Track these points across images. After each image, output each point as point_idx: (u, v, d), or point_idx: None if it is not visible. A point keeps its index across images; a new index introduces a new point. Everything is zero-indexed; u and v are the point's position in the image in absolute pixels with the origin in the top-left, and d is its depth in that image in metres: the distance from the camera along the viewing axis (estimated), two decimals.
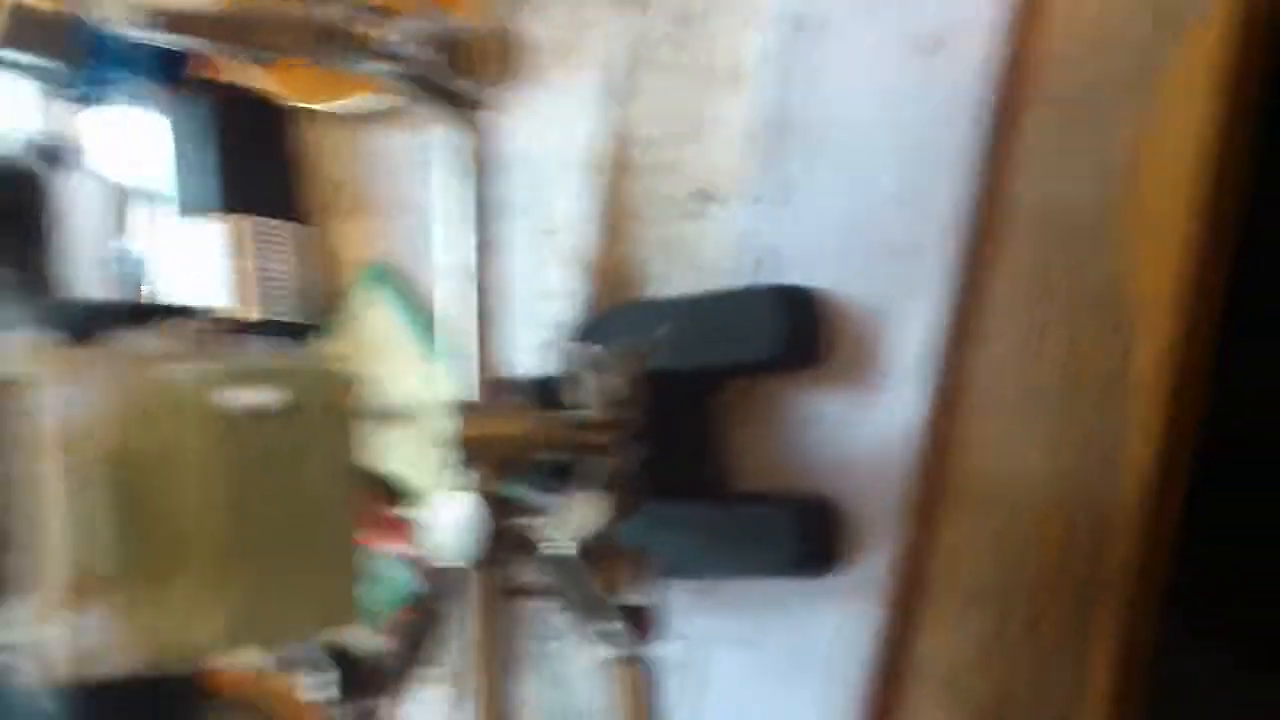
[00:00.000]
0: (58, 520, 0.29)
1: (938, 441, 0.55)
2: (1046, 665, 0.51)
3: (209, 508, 0.31)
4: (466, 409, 0.50)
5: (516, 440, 0.49)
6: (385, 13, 0.49)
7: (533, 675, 0.68)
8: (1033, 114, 0.53)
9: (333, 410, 0.34)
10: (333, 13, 0.47)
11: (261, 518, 0.32)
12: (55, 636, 0.29)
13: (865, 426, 0.57)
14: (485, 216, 0.53)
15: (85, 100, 0.94)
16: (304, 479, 0.33)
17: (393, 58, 0.50)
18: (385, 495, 0.65)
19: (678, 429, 0.60)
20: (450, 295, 0.52)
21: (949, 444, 0.55)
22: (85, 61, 0.92)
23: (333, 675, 0.42)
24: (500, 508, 0.48)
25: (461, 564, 0.48)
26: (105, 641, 0.29)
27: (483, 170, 0.53)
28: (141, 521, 0.30)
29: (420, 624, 0.66)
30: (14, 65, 0.95)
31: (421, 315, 0.74)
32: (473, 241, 0.52)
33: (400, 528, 0.65)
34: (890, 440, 0.56)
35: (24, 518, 0.29)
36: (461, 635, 0.48)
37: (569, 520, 0.47)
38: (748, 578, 0.59)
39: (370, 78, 0.72)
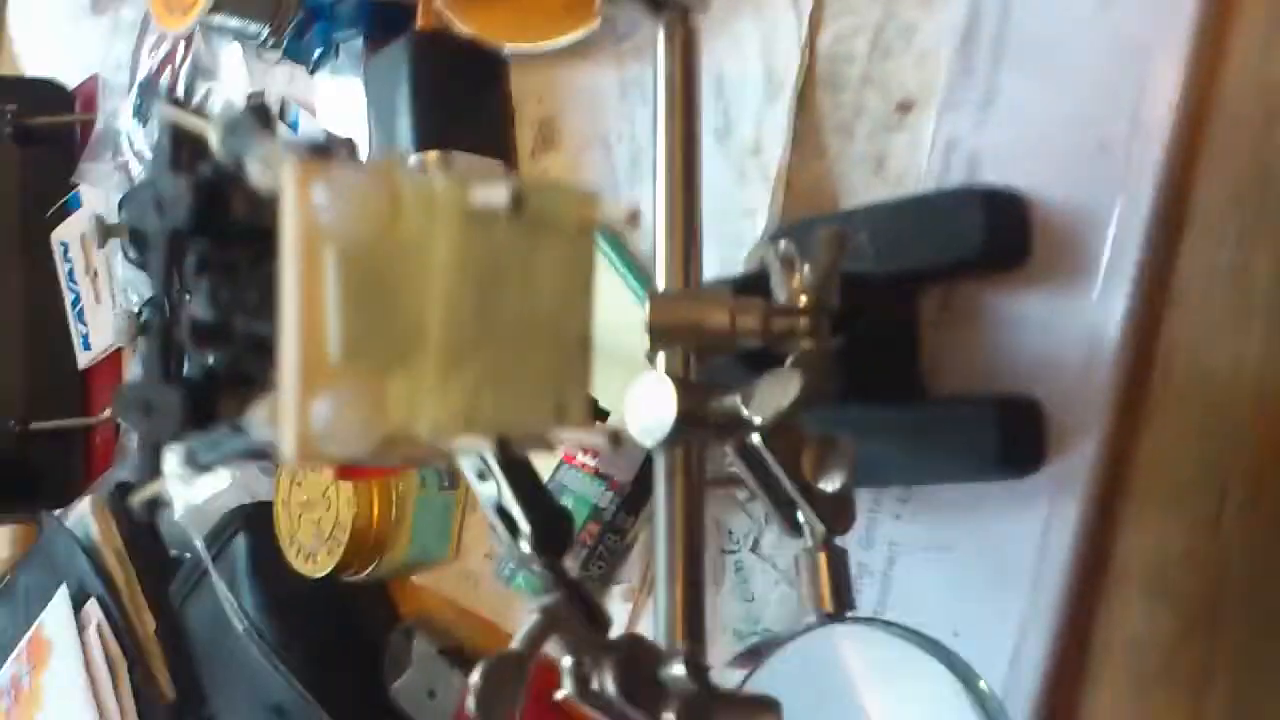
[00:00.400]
0: (297, 311, 0.30)
1: (1143, 338, 0.54)
2: (1268, 546, 0.49)
3: (450, 301, 0.32)
4: (658, 295, 0.50)
5: (707, 325, 0.49)
6: None
7: (720, 589, 0.68)
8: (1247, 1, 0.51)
9: (574, 221, 0.35)
10: None
11: (501, 313, 0.33)
12: (289, 421, 0.30)
13: (1068, 326, 0.55)
14: (691, 133, 0.52)
15: (298, 61, 0.98)
16: (543, 282, 0.34)
17: None
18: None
19: (877, 334, 0.59)
20: (663, 215, 0.52)
21: (1155, 340, 0.53)
22: (299, 24, 0.96)
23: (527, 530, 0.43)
24: (690, 390, 0.48)
25: (649, 444, 0.48)
26: (339, 425, 0.30)
27: (688, 82, 0.53)
28: (381, 312, 0.32)
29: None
30: (224, 29, 1.00)
31: (618, 244, 0.75)
32: (678, 160, 0.52)
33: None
34: (1094, 338, 0.54)
35: (276, 315, 0.31)
36: (650, 531, 0.48)
37: (761, 402, 0.47)
38: (945, 481, 0.58)
39: None
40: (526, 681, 0.41)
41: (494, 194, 0.32)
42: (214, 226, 0.35)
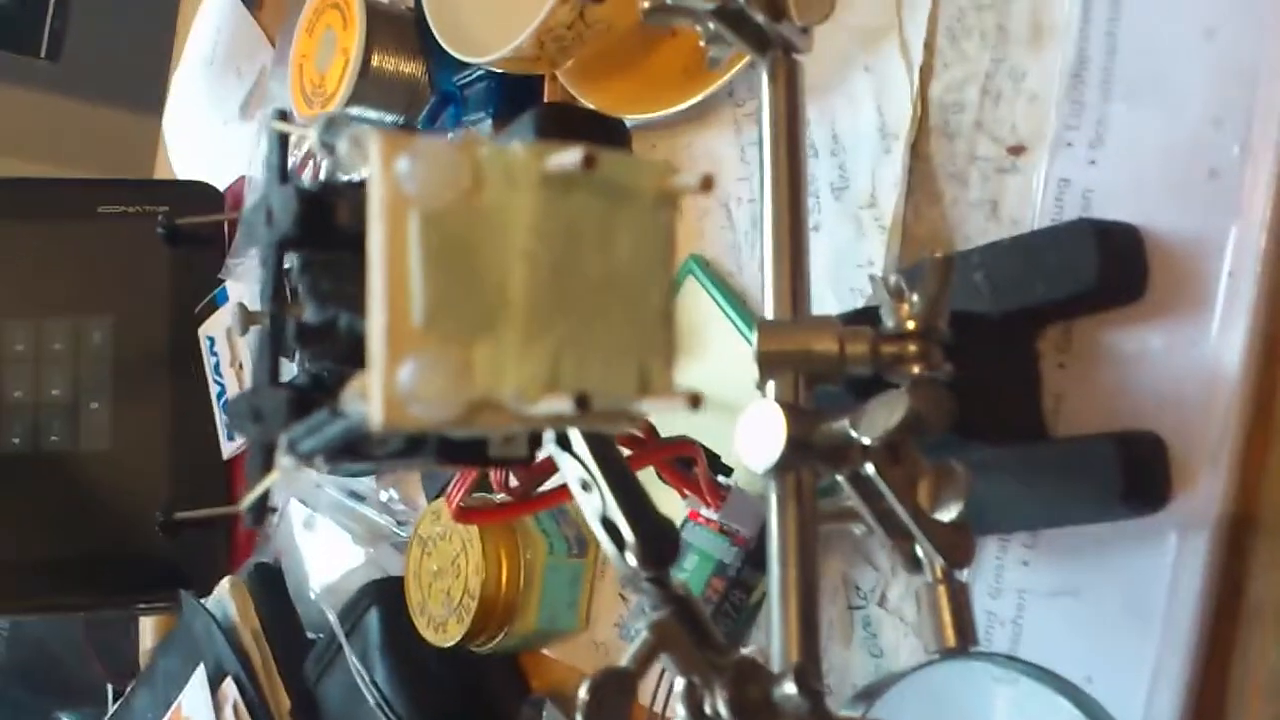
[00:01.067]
0: (383, 278, 0.32)
1: (1265, 368, 0.52)
2: None
3: (531, 265, 0.33)
4: (766, 324, 0.50)
5: (815, 351, 0.50)
6: None
7: (848, 645, 0.68)
8: None
9: (652, 191, 0.35)
10: None
11: (581, 279, 0.34)
12: (376, 384, 0.31)
13: (1188, 358, 0.54)
14: (796, 164, 0.53)
15: None
16: (622, 250, 0.34)
17: None
18: (704, 460, 0.66)
19: (996, 374, 0.59)
20: (770, 245, 0.53)
21: (1277, 368, 0.52)
22: (432, 109, 0.99)
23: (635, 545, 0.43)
24: (800, 415, 0.48)
25: (761, 472, 0.48)
26: (425, 388, 0.31)
27: (792, 114, 0.54)
28: (463, 277, 0.33)
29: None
30: (361, 120, 1.04)
31: (739, 304, 0.76)
32: (784, 190, 0.53)
33: (718, 493, 0.66)
34: (1215, 370, 0.53)
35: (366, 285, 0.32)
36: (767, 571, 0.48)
37: (869, 423, 0.47)
38: (1069, 523, 0.57)
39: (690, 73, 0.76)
40: (634, 699, 0.41)
41: (568, 156, 0.33)
42: (320, 234, 0.37)
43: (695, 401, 0.33)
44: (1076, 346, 0.59)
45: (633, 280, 0.34)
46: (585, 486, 0.46)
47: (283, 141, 0.39)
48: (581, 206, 0.33)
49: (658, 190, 0.35)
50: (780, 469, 0.47)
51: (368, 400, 0.31)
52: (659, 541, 0.44)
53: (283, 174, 0.38)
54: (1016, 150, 0.63)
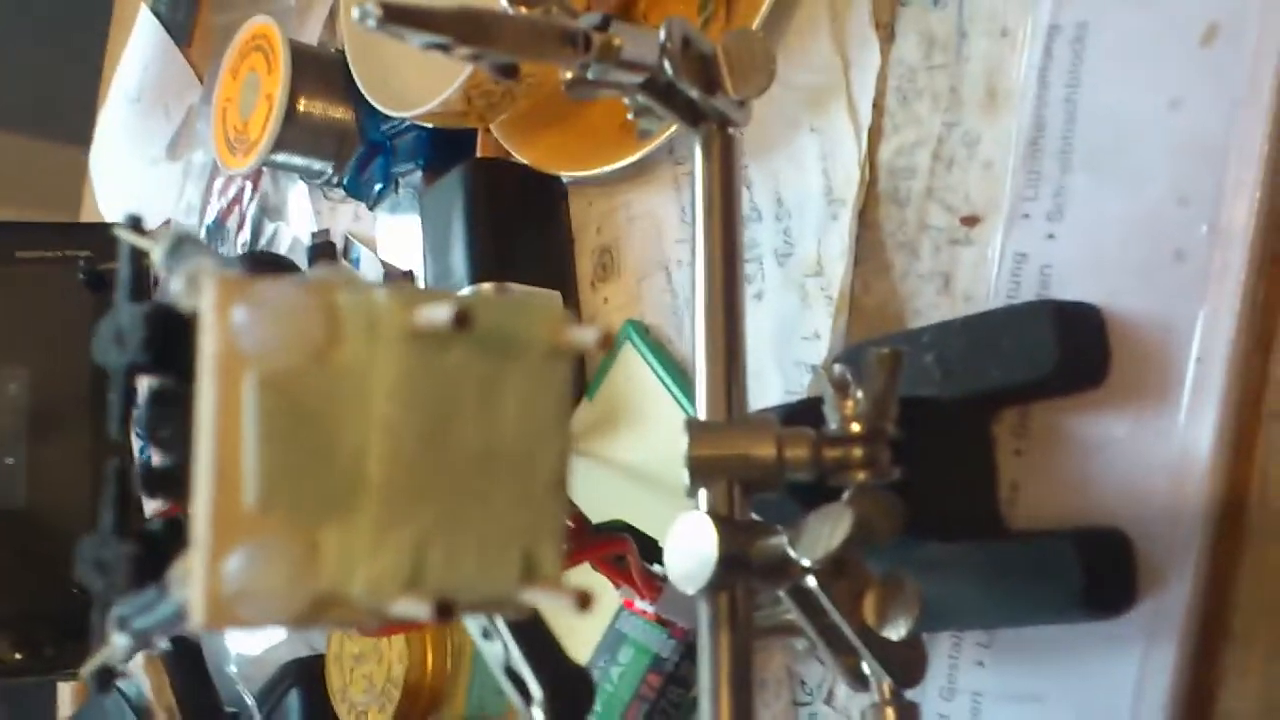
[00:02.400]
0: (211, 449, 0.27)
1: (1236, 461, 0.49)
2: None
3: (392, 437, 0.28)
4: (698, 426, 0.46)
5: (752, 456, 0.45)
6: (635, 21, 0.46)
7: None
8: None
9: (543, 344, 0.30)
10: (580, 20, 0.44)
11: (455, 452, 0.29)
12: (198, 577, 0.26)
13: (1154, 449, 0.51)
14: (731, 249, 0.49)
15: (359, 198, 0.97)
16: (508, 415, 0.29)
17: (638, 67, 0.46)
18: (639, 551, 0.61)
19: (949, 463, 0.55)
20: (702, 336, 0.49)
21: (1249, 463, 0.49)
22: (360, 159, 0.95)
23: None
24: (734, 530, 0.44)
25: (691, 593, 0.44)
26: (258, 583, 0.26)
27: (727, 195, 0.49)
28: (309, 450, 0.28)
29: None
30: (288, 167, 0.99)
31: (678, 373, 0.72)
32: (718, 278, 0.49)
33: (653, 585, 0.62)
34: (1182, 462, 0.50)
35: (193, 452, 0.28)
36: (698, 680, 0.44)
37: (809, 542, 0.43)
38: (1027, 623, 0.54)
39: (624, 124, 0.72)
40: None
41: (437, 311, 0.28)
42: (174, 361, 0.32)
43: (585, 602, 0.28)
44: (1034, 432, 0.55)
45: (518, 451, 0.30)
46: (486, 634, 0.41)
47: (135, 252, 0.35)
48: (457, 366, 0.29)
49: (550, 342, 0.30)
50: (712, 589, 0.43)
51: (188, 595, 0.26)
52: (569, 693, 0.40)
53: (135, 289, 0.33)
54: (970, 221, 0.59)
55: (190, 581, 0.27)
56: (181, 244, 0.31)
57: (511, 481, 0.30)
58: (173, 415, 0.32)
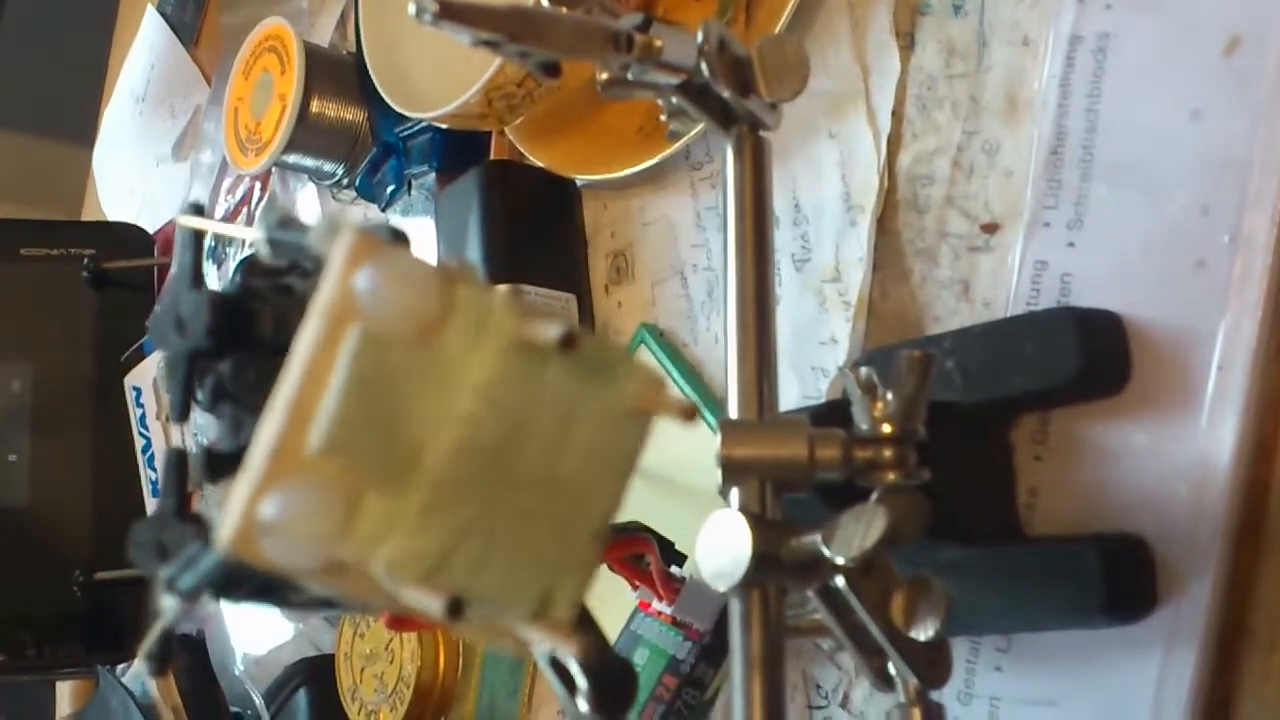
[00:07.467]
0: (295, 385, 0.27)
1: (1257, 467, 0.49)
2: None
3: (465, 431, 0.29)
4: (731, 425, 0.46)
5: (784, 456, 0.46)
6: (675, 24, 0.46)
7: None
8: None
9: (633, 397, 0.31)
10: (622, 21, 0.45)
11: (516, 466, 0.29)
12: (238, 499, 0.27)
13: (1175, 455, 0.51)
14: (763, 251, 0.50)
15: (371, 200, 0.97)
16: (578, 449, 0.30)
17: (676, 69, 0.47)
18: (659, 553, 0.62)
19: (968, 468, 0.56)
20: (734, 337, 0.49)
21: (1270, 469, 0.49)
22: (372, 161, 0.95)
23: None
24: (767, 528, 0.44)
25: (724, 590, 0.44)
26: (291, 524, 0.27)
27: (759, 197, 0.50)
28: (383, 416, 0.28)
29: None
30: (299, 168, 1.00)
31: (693, 377, 0.72)
32: (750, 279, 0.49)
33: (671, 587, 0.62)
34: (1203, 468, 0.50)
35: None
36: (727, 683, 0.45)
37: (843, 541, 0.43)
38: (1046, 628, 0.54)
39: (647, 128, 0.72)
40: None
41: (548, 327, 0.29)
42: (237, 347, 0.33)
43: (585, 651, 0.29)
44: (1054, 438, 0.55)
45: (575, 488, 0.30)
46: None
47: (196, 240, 0.35)
48: (547, 387, 0.29)
49: (639, 397, 0.31)
50: (745, 586, 0.44)
51: (222, 515, 0.27)
52: (614, 685, 0.40)
53: (195, 277, 0.34)
54: (990, 228, 0.59)
55: (229, 503, 0.27)
56: (289, 222, 0.31)
57: (558, 515, 0.30)
58: (237, 397, 0.32)
